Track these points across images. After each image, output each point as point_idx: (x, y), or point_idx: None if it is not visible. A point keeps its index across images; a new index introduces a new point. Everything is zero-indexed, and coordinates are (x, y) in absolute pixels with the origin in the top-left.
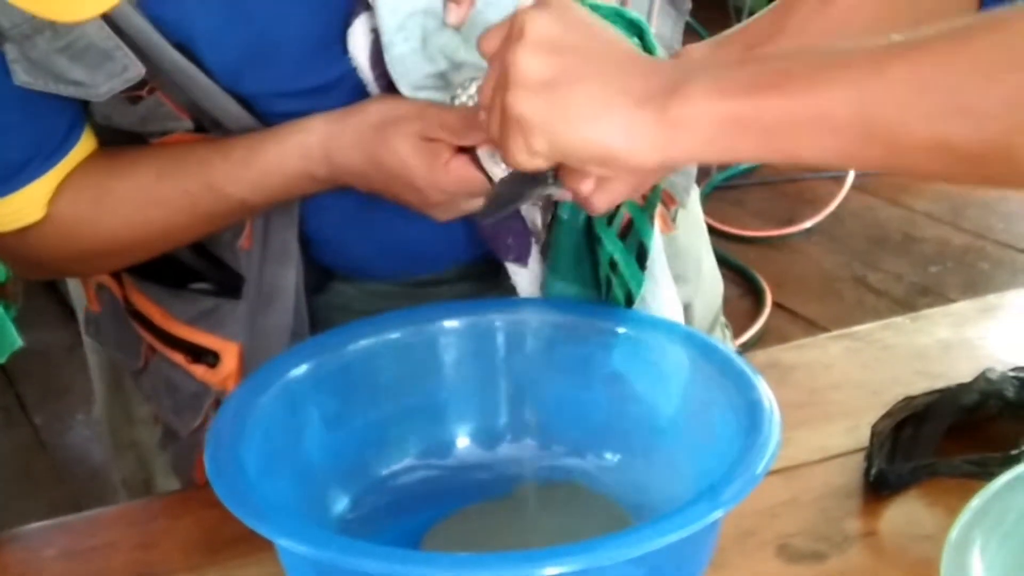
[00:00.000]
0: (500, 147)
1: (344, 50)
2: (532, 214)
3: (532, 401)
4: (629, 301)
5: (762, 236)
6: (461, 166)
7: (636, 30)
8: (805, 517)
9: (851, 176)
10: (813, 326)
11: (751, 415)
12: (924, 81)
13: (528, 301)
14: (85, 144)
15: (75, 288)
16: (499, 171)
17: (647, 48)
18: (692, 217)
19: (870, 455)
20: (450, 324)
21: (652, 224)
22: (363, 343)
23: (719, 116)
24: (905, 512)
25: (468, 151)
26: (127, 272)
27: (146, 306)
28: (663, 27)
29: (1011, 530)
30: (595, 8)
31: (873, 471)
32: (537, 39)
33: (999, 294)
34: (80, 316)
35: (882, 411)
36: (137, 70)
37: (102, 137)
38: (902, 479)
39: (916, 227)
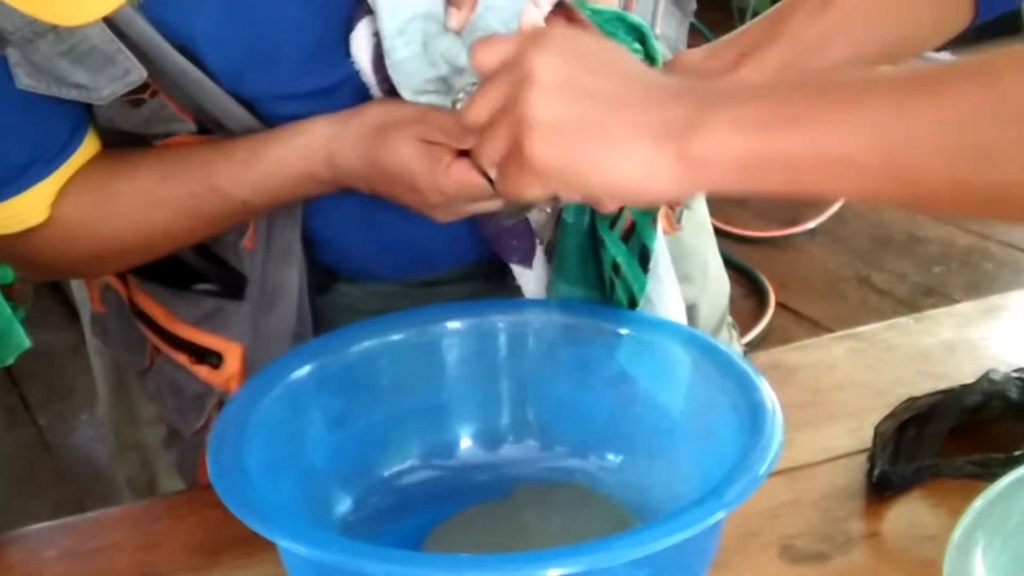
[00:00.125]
0: (503, 176)
1: (347, 53)
2: (536, 215)
3: (534, 402)
4: (632, 304)
5: (766, 236)
6: (462, 170)
7: (638, 35)
8: (808, 518)
9: None
10: (817, 326)
11: (754, 416)
12: (947, 124)
13: (530, 302)
14: (88, 147)
15: (79, 289)
16: None
17: (649, 52)
18: (697, 218)
19: (873, 456)
20: (452, 325)
21: (655, 227)
22: (366, 344)
23: (740, 154)
24: (908, 513)
25: (469, 154)
26: (132, 273)
27: (150, 307)
28: (667, 28)
29: (1014, 531)
30: (596, 13)
31: (876, 472)
32: (548, 83)
33: (1003, 295)
34: (84, 317)
35: (885, 412)
36: (139, 73)
37: (106, 139)
38: (905, 480)
39: (920, 227)
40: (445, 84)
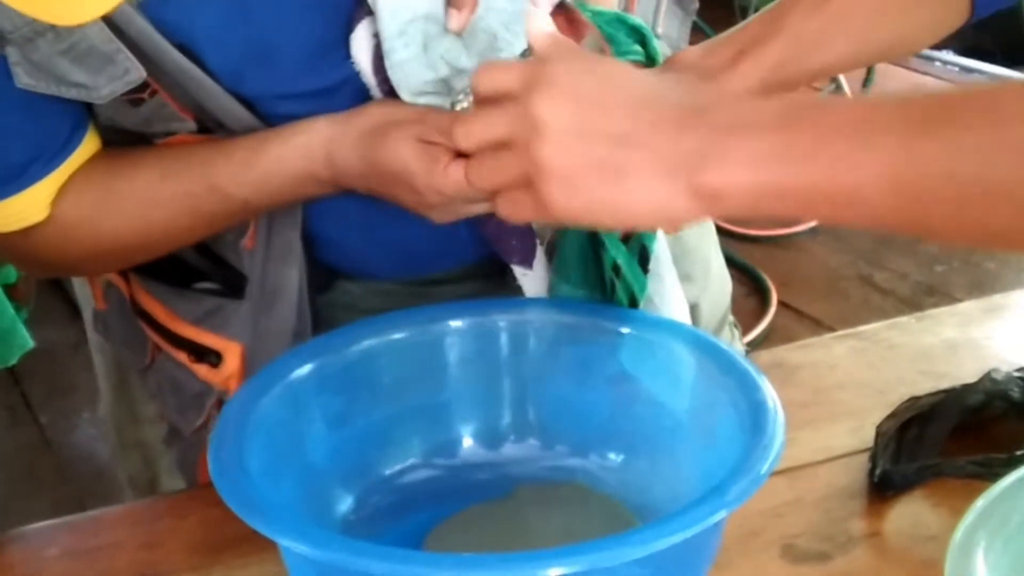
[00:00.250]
0: (506, 201)
1: (347, 54)
2: None
3: (535, 401)
4: (633, 305)
5: (768, 235)
6: (460, 171)
7: (638, 36)
8: (809, 517)
9: None
10: (819, 325)
11: (755, 415)
12: (954, 161)
13: (531, 301)
14: (89, 145)
15: (81, 287)
16: None
17: (650, 54)
18: None
19: (874, 455)
20: (454, 324)
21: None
22: (366, 343)
23: (752, 188)
24: (909, 513)
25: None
26: (133, 271)
27: (151, 305)
28: (670, 28)
29: (1016, 531)
30: (597, 14)
31: (877, 471)
32: (558, 129)
33: (1005, 294)
34: (86, 315)
35: (887, 411)
36: (138, 73)
37: (107, 137)
38: (906, 480)
39: None
40: (445, 85)
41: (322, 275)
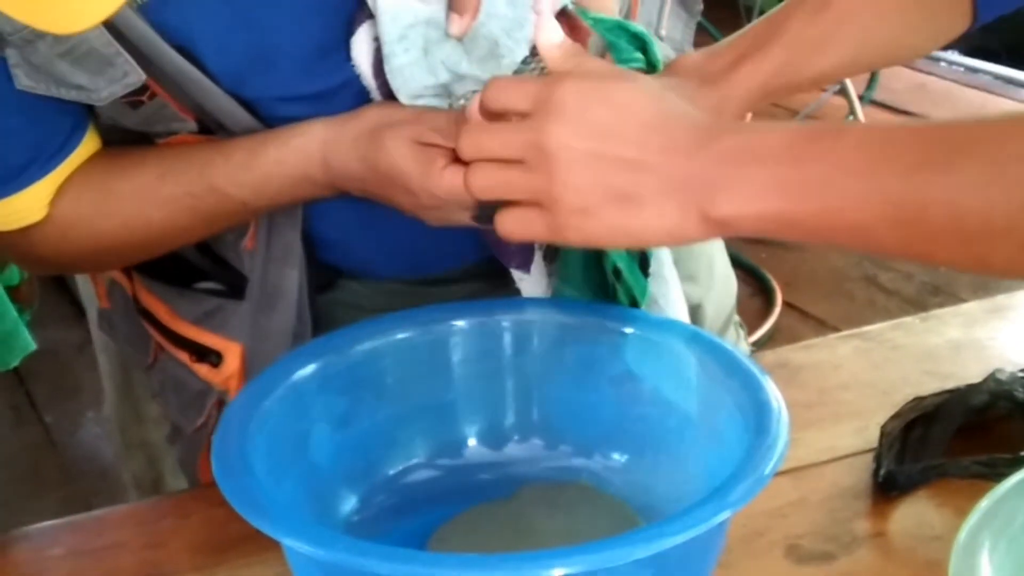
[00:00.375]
0: (508, 219)
1: (347, 57)
2: None
3: (539, 401)
4: (634, 307)
5: None
6: (457, 176)
7: (639, 43)
8: (813, 518)
9: None
10: (823, 325)
11: (759, 415)
12: (957, 197)
13: (535, 301)
14: (88, 145)
15: (85, 287)
16: None
17: (651, 61)
18: None
19: (879, 456)
20: (457, 324)
21: None
22: (370, 343)
23: (760, 218)
24: (914, 513)
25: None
26: (135, 270)
27: (153, 304)
28: (673, 30)
29: (1020, 531)
30: (598, 21)
31: (882, 472)
32: (571, 160)
33: (1009, 294)
34: (90, 315)
35: (891, 411)
36: (137, 76)
37: (109, 136)
38: (911, 480)
39: None
40: (445, 90)
41: (324, 275)
